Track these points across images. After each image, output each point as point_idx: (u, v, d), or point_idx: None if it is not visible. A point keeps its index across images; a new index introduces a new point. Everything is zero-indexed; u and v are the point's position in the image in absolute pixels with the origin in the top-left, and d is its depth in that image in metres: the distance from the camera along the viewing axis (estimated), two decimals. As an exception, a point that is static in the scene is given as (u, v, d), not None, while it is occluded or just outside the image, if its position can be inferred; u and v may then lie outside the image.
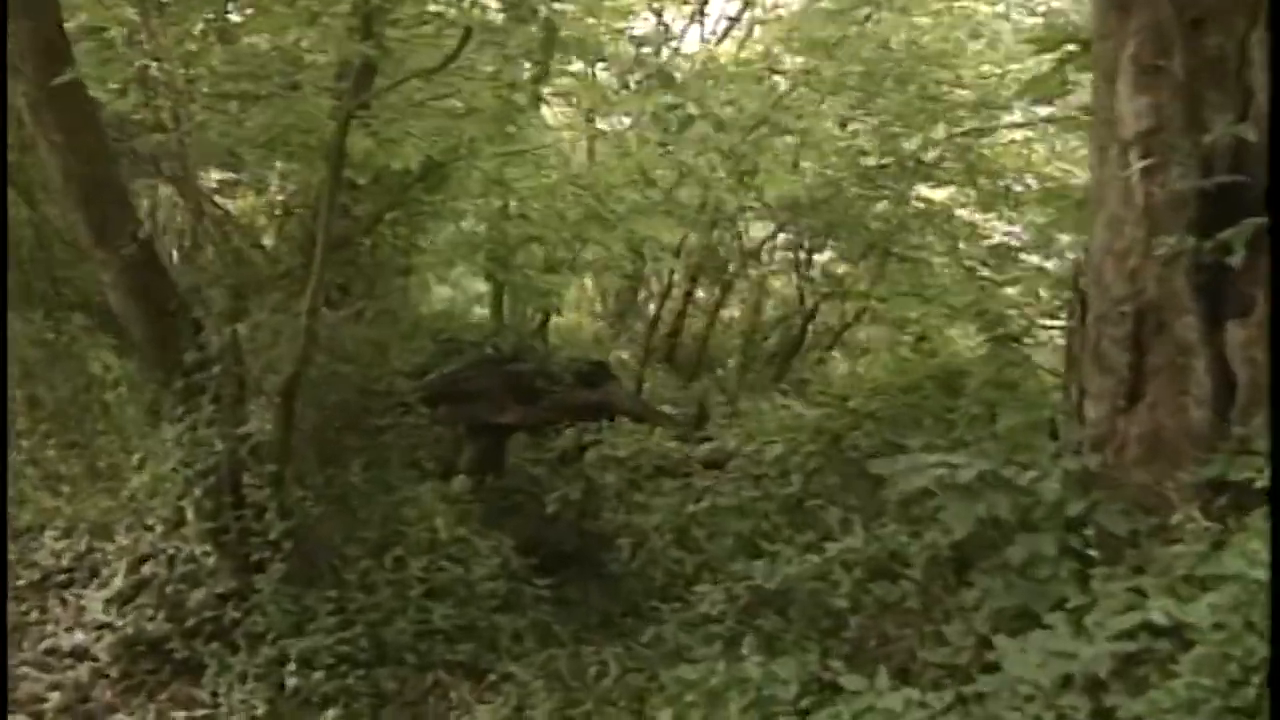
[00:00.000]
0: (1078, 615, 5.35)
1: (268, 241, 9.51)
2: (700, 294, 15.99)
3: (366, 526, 7.61)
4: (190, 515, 7.34)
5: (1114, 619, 5.14)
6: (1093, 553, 5.64)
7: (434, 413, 9.57)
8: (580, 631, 7.86)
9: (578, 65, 7.76)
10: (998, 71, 13.40)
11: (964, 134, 13.53)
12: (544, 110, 8.08)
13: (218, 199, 9.05)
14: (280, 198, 9.50)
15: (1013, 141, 14.27)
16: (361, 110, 7.43)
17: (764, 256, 15.33)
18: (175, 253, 9.16)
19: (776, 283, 16.21)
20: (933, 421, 6.76)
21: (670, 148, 6.75)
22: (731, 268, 15.20)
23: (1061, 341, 7.09)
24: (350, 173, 8.10)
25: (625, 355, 15.51)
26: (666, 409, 11.78)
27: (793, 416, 7.74)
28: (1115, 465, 5.89)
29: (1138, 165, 5.97)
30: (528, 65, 7.17)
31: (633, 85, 6.46)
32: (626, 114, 7.00)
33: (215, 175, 9.15)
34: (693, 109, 5.90)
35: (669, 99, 6.04)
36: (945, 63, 12.57)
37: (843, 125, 13.39)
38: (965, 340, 7.61)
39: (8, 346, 8.08)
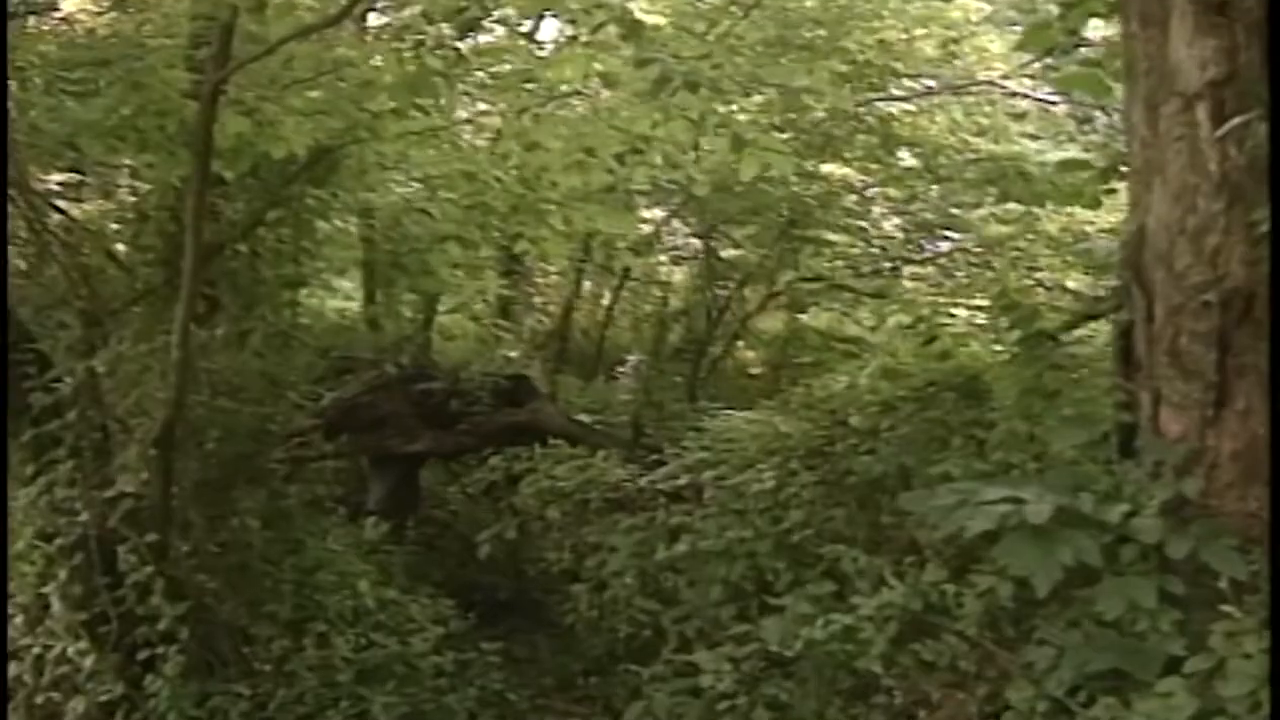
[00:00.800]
0: (1203, 681, 4.38)
1: (121, 248, 7.95)
2: (586, 285, 14.80)
3: (275, 598, 6.23)
4: (56, 604, 5.85)
5: (1259, 687, 4.19)
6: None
7: (332, 444, 8.20)
8: (538, 697, 6.66)
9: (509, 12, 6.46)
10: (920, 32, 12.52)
11: (878, 100, 12.64)
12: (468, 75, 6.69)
13: (60, 204, 7.46)
14: (134, 199, 7.94)
15: (912, 112, 13.46)
16: (230, 84, 6.00)
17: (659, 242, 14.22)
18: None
19: (674, 271, 15.14)
20: (960, 441, 5.71)
21: (625, 114, 5.48)
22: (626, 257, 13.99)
23: (1100, 338, 6.13)
24: (219, 165, 6.65)
25: (513, 355, 14.30)
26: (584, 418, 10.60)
27: (776, 435, 6.61)
28: (1209, 490, 4.93)
29: (1209, 123, 5.01)
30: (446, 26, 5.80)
31: (582, 39, 5.16)
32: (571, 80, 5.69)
33: (56, 177, 7.55)
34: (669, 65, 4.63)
35: (631, 53, 4.78)
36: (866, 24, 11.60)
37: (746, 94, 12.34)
38: (962, 337, 6.52)
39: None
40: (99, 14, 7.93)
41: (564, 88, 6.00)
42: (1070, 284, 13.95)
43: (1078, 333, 5.91)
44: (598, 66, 5.13)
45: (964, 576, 5.29)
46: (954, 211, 13.22)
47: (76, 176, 7.85)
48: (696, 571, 6.39)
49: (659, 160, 6.88)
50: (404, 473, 8.33)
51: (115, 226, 7.77)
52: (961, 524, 4.97)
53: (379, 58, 5.86)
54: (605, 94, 5.66)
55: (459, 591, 7.69)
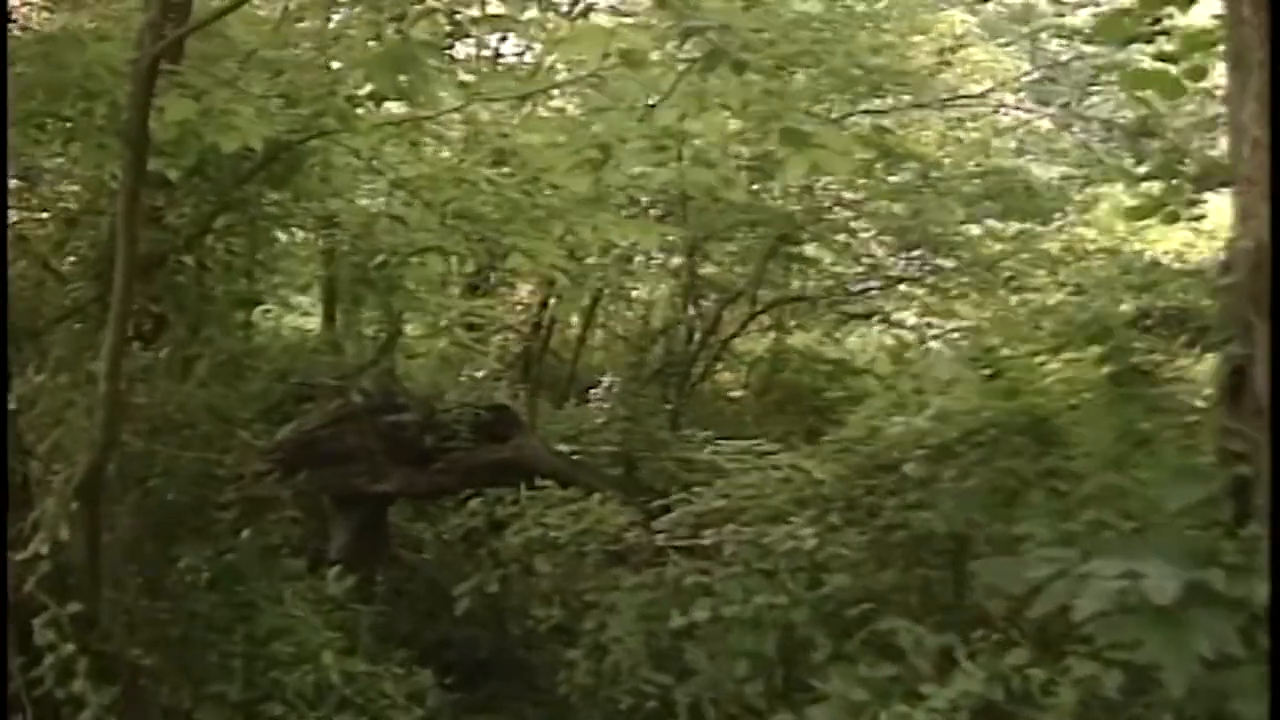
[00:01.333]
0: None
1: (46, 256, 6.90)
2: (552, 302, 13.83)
3: (224, 675, 5.23)
4: (-47, 689, 4.81)
5: None
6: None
7: (289, 482, 7.18)
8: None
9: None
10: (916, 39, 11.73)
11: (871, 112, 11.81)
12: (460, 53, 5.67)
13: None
14: (58, 200, 6.90)
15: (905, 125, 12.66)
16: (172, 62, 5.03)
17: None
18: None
19: (653, 289, 14.21)
20: (1037, 494, 4.82)
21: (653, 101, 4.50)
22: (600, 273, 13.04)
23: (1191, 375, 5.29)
24: (160, 162, 5.63)
25: (480, 374, 13.35)
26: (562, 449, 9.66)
27: (809, 482, 5.71)
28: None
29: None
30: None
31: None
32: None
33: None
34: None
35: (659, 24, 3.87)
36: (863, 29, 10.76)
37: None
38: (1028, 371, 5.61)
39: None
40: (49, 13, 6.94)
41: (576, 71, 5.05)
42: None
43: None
44: (620, 45, 4.20)
45: (1054, 659, 4.41)
46: (949, 228, 12.38)
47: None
48: (717, 641, 5.45)
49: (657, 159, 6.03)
50: (371, 515, 7.33)
51: (38, 231, 6.71)
52: (1063, 601, 4.08)
53: (353, 28, 4.87)
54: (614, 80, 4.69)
55: (432, 651, 6.73)
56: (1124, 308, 13.59)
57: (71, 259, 6.70)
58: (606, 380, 14.27)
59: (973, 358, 5.49)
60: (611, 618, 6.01)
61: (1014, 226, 12.27)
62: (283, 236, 6.74)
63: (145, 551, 5.33)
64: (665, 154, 4.76)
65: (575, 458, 7.92)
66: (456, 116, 5.72)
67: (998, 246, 12.47)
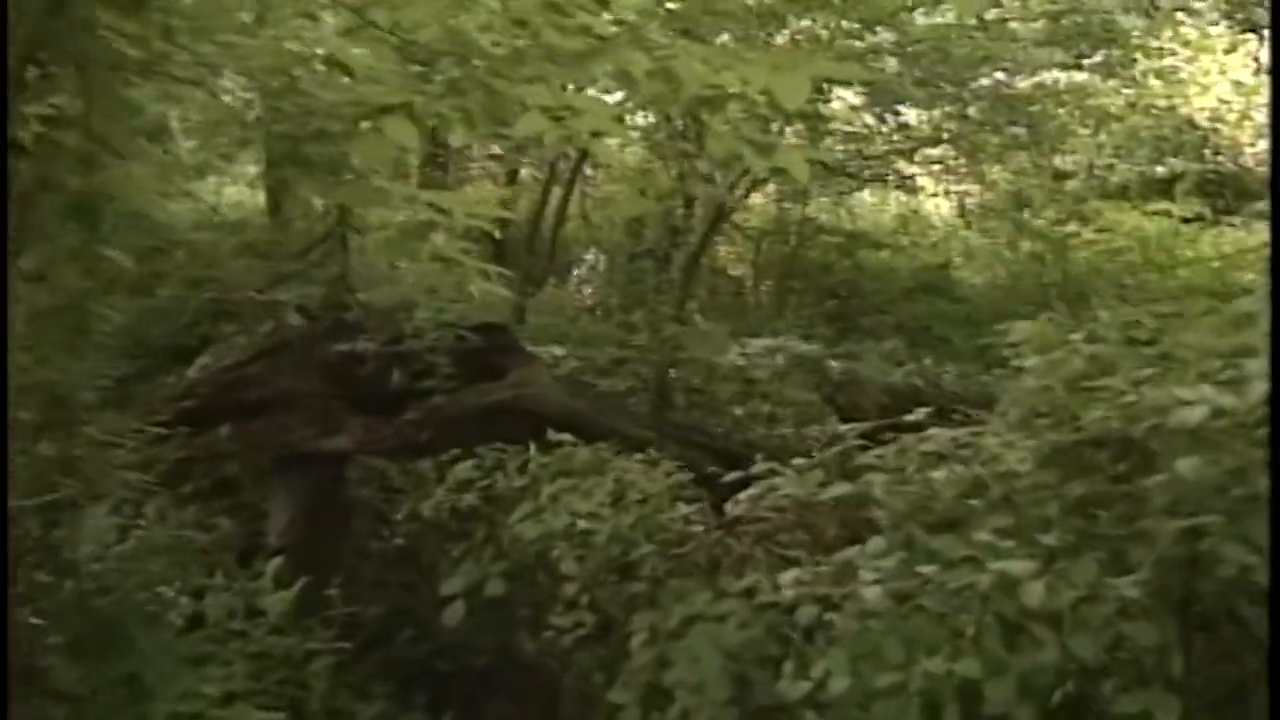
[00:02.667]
0: None
1: None
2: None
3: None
4: None
5: None
6: None
7: (205, 441, 5.08)
8: None
9: None
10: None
11: None
12: None
13: None
14: None
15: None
16: None
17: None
18: None
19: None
20: None
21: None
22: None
23: None
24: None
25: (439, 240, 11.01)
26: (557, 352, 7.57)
27: (1001, 476, 3.59)
28: None
29: None
30: None
31: None
32: None
33: None
34: None
35: None
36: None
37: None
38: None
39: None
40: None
41: None
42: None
43: None
44: None
45: None
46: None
47: None
48: (851, 712, 3.44)
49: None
50: (322, 485, 5.21)
51: None
52: None
53: None
54: None
55: (418, 673, 4.71)
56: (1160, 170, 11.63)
57: None
58: (589, 258, 12.11)
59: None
60: (677, 650, 3.99)
61: (1075, 77, 10.10)
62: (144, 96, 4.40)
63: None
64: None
65: (602, 404, 5.74)
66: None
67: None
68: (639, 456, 4.73)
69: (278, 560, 4.82)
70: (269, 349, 5.23)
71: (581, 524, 4.28)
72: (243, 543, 4.96)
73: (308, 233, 5.86)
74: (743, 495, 4.25)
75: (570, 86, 3.56)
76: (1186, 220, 10.73)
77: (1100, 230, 10.78)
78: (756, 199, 11.42)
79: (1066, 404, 3.51)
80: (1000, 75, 10.01)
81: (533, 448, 4.79)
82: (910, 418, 3.84)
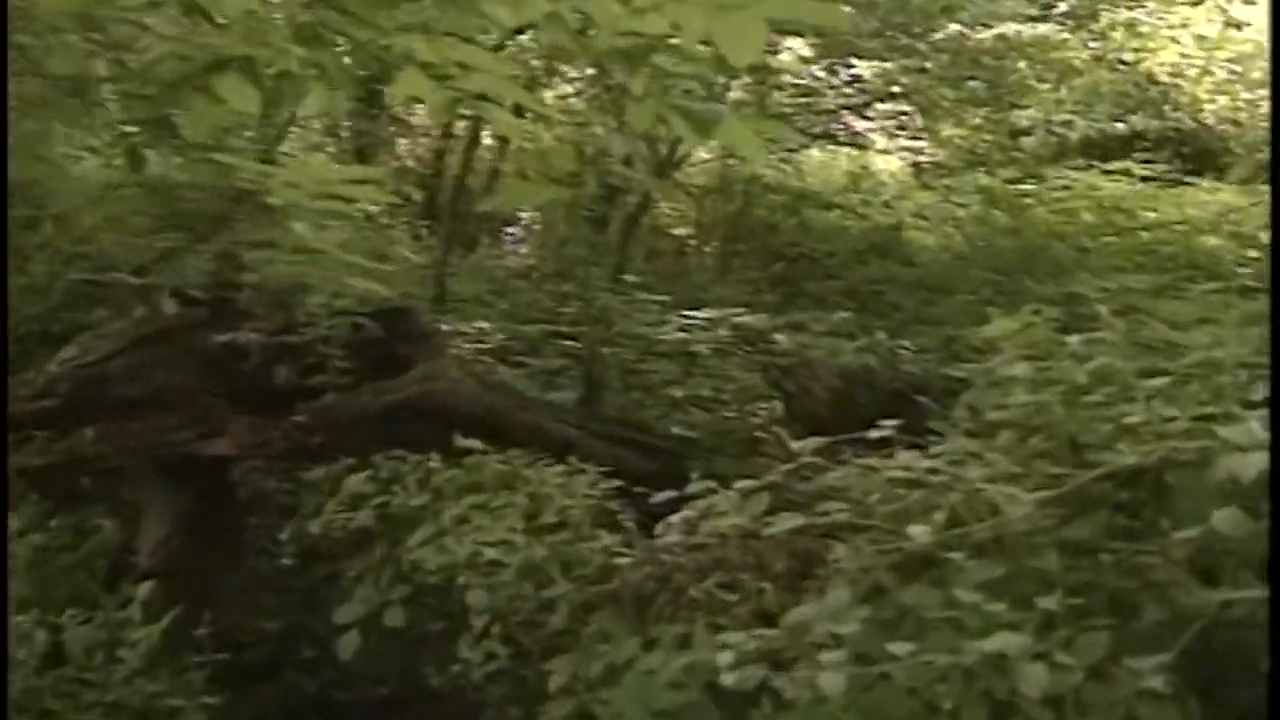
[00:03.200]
0: None
1: None
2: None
3: None
4: None
5: None
6: None
7: (68, 445, 4.38)
8: None
9: None
10: None
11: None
12: None
13: None
14: None
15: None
16: None
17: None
18: None
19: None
20: None
21: None
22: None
23: None
24: None
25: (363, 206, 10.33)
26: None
27: (984, 503, 2.95)
28: None
29: None
30: None
31: None
32: None
33: None
34: None
35: None
36: None
37: None
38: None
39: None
40: None
41: None
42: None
43: None
44: None
45: None
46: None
47: None
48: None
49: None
50: (200, 494, 4.51)
51: None
52: None
53: None
54: None
55: (310, 708, 4.07)
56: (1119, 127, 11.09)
57: None
58: (524, 216, 11.35)
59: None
60: (599, 702, 3.38)
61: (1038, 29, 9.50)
62: None
63: None
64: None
65: (521, 400, 5.04)
66: None
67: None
68: (559, 468, 4.08)
69: (148, 585, 4.15)
70: (140, 340, 4.50)
71: (489, 553, 3.63)
72: (111, 564, 4.27)
73: (194, 204, 5.11)
74: (676, 518, 3.62)
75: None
76: (1146, 179, 10.25)
77: (1057, 189, 10.27)
78: (700, 153, 10.74)
79: (1064, 424, 2.91)
80: (959, 27, 9.40)
81: (436, 459, 4.13)
82: (875, 433, 3.21)
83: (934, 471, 3.06)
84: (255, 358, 4.44)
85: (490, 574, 3.64)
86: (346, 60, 2.44)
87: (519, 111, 2.90)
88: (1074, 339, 3.14)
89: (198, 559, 4.34)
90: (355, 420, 4.34)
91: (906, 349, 6.82)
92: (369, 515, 4.00)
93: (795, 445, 3.28)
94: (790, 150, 11.25)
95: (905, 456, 3.07)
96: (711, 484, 3.52)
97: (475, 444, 4.17)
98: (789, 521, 3.13)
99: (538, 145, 2.70)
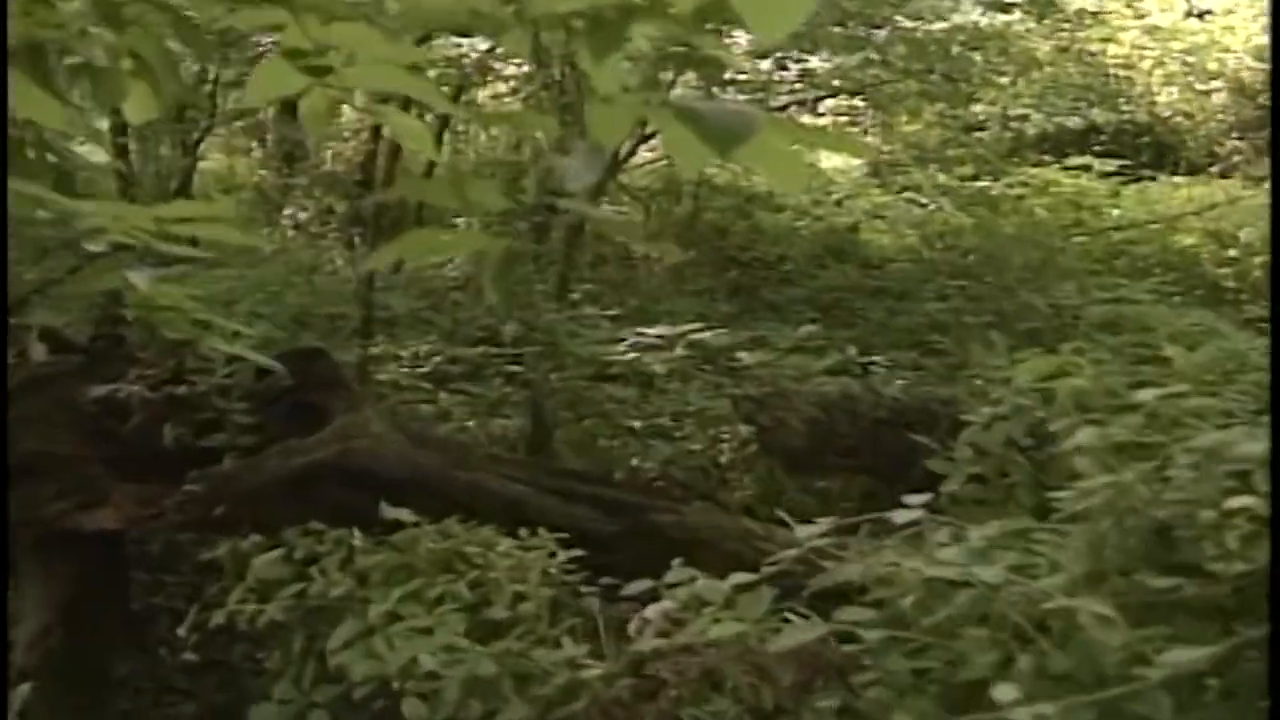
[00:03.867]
0: None
1: None
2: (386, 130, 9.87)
3: None
4: None
5: None
6: None
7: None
8: None
9: None
10: None
11: None
12: None
13: None
14: None
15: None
16: None
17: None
18: None
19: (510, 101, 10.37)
20: None
21: None
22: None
23: None
24: None
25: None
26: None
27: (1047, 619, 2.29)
28: None
29: None
30: None
31: None
32: None
33: None
34: None
35: None
36: None
37: None
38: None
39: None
40: None
41: None
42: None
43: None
44: None
45: None
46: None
47: None
48: None
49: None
50: (84, 575, 3.75)
51: None
52: None
53: None
54: None
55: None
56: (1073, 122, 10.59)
57: None
58: (461, 225, 10.57)
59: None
60: None
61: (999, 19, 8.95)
62: None
63: None
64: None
65: (457, 453, 4.26)
66: None
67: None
68: (504, 545, 3.37)
69: (25, 688, 3.39)
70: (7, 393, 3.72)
71: (427, 662, 2.92)
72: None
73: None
74: (654, 611, 2.94)
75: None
76: (1106, 174, 9.77)
77: (1016, 186, 9.75)
78: (645, 153, 10.06)
79: (1149, 509, 2.26)
80: (911, 21, 8.82)
81: (359, 536, 3.41)
82: (899, 517, 2.54)
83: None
84: (138, 416, 3.68)
85: (429, 687, 2.93)
86: (173, 46, 1.69)
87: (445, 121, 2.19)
88: (1147, 393, 2.48)
89: (84, 654, 3.58)
90: (262, 487, 3.59)
91: (881, 365, 6.21)
92: (280, 608, 3.27)
93: (800, 531, 2.60)
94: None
95: (946, 553, 2.40)
96: (694, 572, 2.85)
97: (405, 515, 3.46)
98: (800, 632, 2.46)
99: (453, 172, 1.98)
